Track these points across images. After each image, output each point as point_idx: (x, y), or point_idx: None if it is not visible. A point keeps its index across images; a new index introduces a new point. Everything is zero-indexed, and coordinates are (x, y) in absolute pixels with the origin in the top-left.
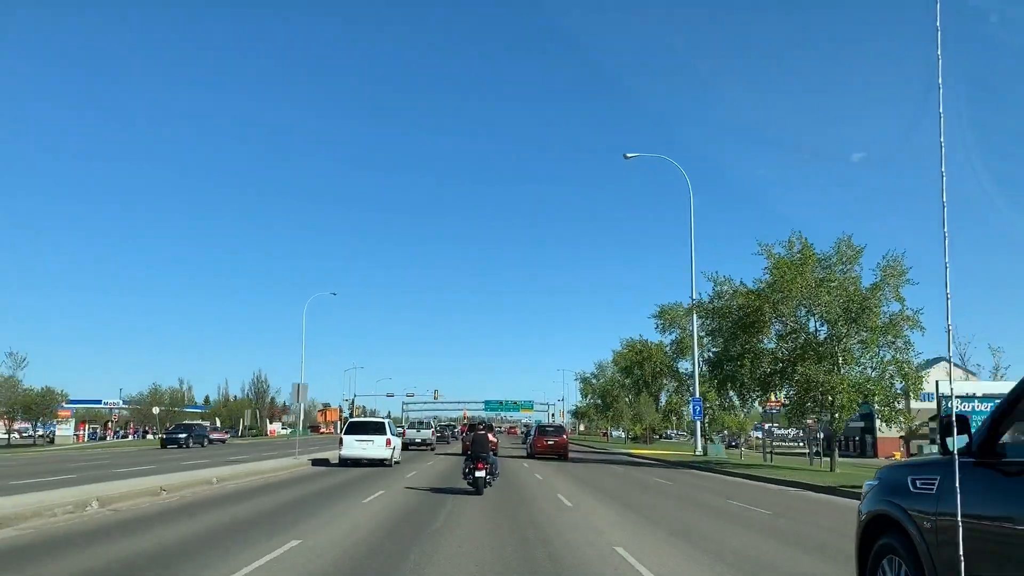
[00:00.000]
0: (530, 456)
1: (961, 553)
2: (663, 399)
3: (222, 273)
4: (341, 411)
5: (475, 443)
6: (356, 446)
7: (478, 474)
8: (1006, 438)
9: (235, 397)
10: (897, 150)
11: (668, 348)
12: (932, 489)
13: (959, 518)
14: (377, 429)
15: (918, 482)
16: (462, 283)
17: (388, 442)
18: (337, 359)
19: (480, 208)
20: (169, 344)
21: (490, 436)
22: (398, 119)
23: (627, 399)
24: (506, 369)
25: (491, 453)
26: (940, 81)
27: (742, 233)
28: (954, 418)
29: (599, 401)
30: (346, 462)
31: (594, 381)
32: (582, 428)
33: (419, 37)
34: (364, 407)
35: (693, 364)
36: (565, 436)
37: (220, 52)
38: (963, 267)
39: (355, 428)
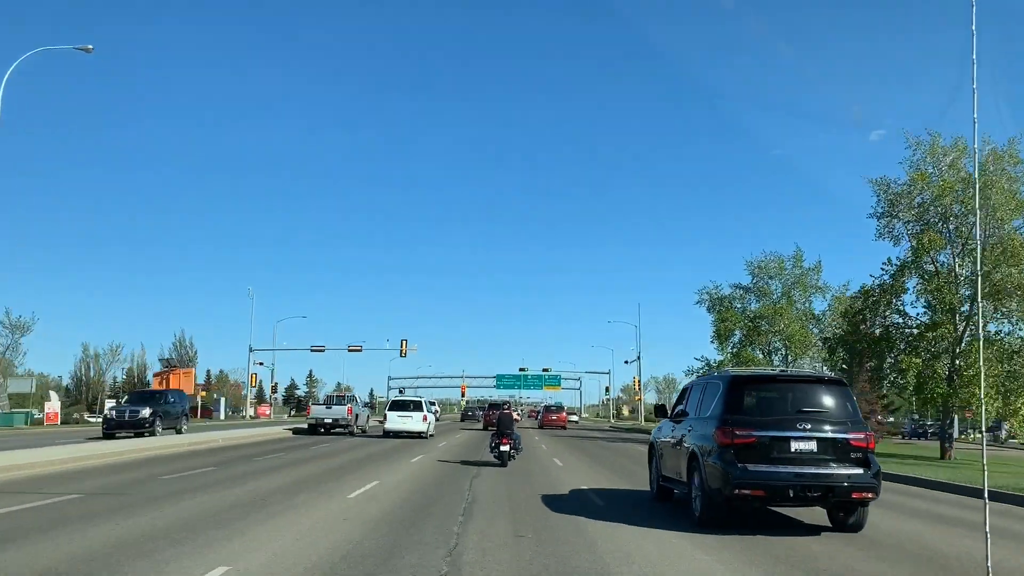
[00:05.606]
0: (540, 427)
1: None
2: None
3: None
4: (250, 385)
5: (500, 421)
6: (397, 421)
7: (503, 448)
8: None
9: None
10: (933, 127)
11: None
12: (659, 431)
13: (660, 440)
14: (416, 407)
15: (657, 428)
16: (469, 236)
17: (424, 418)
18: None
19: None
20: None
21: (514, 415)
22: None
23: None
24: (533, 336)
25: (514, 430)
26: (975, 56)
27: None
28: (656, 406)
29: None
30: (388, 434)
31: (744, 306)
32: (626, 413)
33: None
34: (268, 367)
35: None
36: (564, 414)
37: None
38: None
39: (397, 406)
